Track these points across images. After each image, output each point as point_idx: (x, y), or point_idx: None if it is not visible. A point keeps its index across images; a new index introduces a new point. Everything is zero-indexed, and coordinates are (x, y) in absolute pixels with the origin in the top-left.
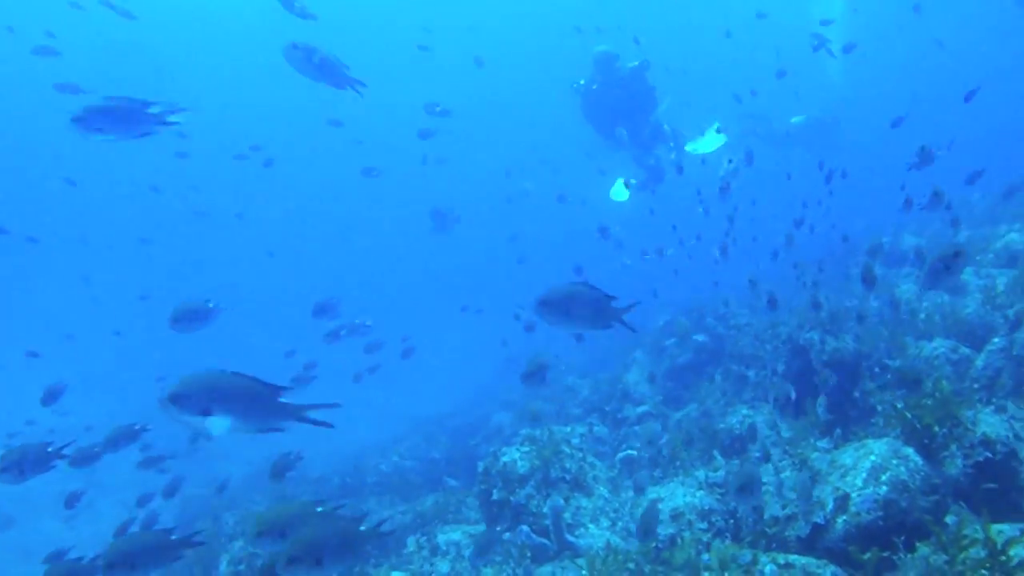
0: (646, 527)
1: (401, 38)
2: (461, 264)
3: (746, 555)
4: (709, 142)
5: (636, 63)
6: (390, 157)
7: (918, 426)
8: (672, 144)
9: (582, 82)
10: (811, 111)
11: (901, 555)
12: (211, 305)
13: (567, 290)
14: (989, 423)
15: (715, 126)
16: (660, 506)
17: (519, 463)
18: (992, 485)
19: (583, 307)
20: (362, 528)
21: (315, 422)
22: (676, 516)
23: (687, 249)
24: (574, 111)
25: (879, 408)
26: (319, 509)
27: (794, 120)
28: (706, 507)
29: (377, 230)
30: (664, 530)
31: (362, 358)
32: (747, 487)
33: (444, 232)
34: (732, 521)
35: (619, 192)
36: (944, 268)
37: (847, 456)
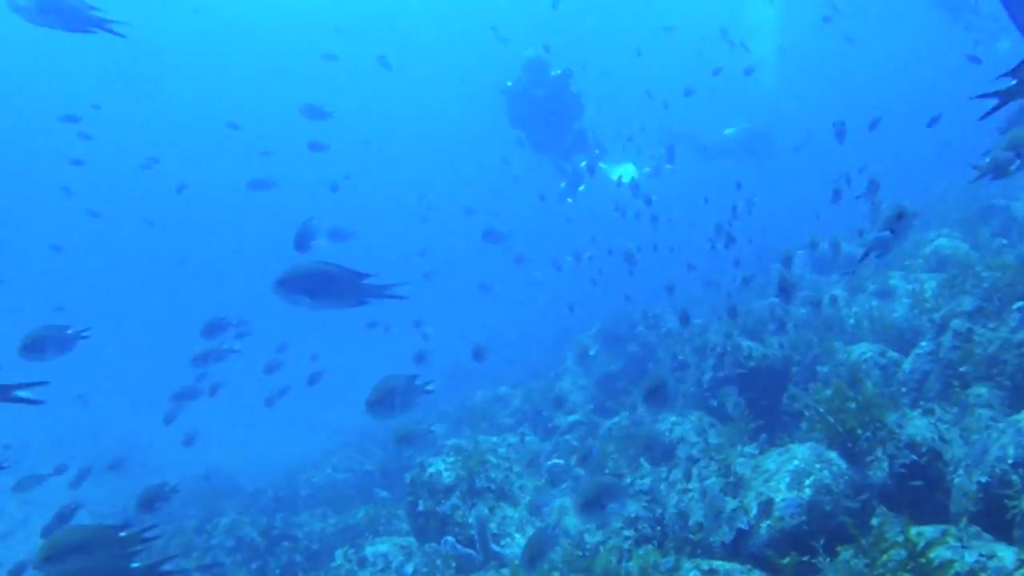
0: (531, 555)
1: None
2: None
3: (668, 561)
4: (622, 169)
5: (560, 71)
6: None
7: (841, 430)
8: (597, 152)
9: (510, 84)
10: (743, 122)
11: (821, 559)
12: (70, 332)
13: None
14: (916, 426)
15: (628, 163)
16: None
17: (444, 474)
18: (918, 487)
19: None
20: (135, 565)
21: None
22: (602, 524)
23: (597, 262)
24: (498, 115)
25: (806, 413)
26: (122, 534)
27: (727, 132)
28: (632, 514)
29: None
30: (591, 538)
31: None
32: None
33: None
34: (659, 528)
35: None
36: (891, 232)
37: (771, 461)
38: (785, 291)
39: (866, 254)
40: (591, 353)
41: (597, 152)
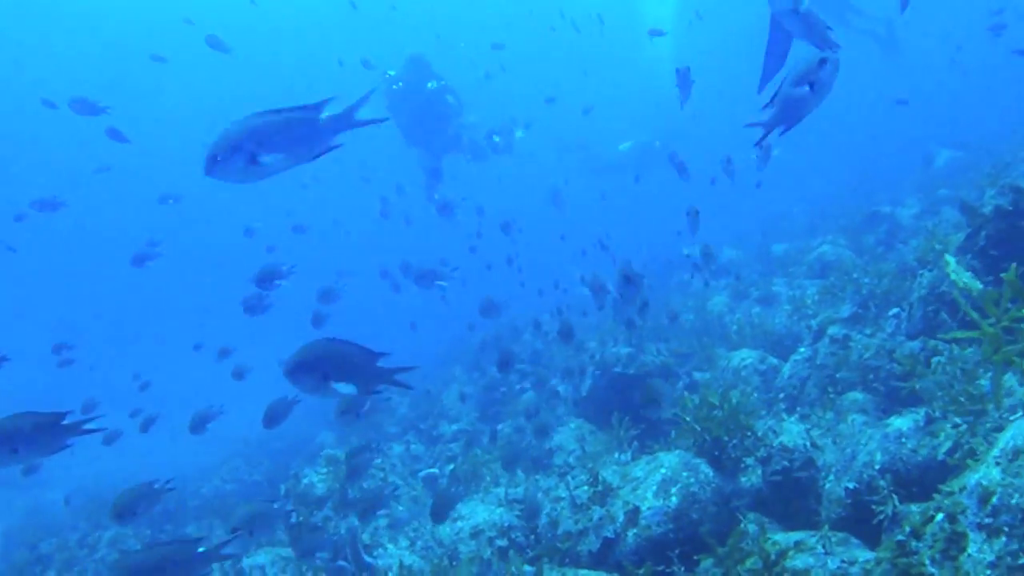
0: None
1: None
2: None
3: (529, 570)
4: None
5: (435, 85)
6: None
7: (708, 438)
8: (469, 156)
9: (392, 73)
10: (639, 136)
11: (676, 568)
12: None
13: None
14: (789, 432)
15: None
16: (460, 524)
17: (317, 485)
18: (791, 494)
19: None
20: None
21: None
22: (476, 533)
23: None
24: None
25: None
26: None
27: (621, 147)
28: (506, 523)
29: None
30: (465, 547)
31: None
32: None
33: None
34: (533, 537)
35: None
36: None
37: (639, 469)
38: (565, 337)
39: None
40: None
41: (469, 156)
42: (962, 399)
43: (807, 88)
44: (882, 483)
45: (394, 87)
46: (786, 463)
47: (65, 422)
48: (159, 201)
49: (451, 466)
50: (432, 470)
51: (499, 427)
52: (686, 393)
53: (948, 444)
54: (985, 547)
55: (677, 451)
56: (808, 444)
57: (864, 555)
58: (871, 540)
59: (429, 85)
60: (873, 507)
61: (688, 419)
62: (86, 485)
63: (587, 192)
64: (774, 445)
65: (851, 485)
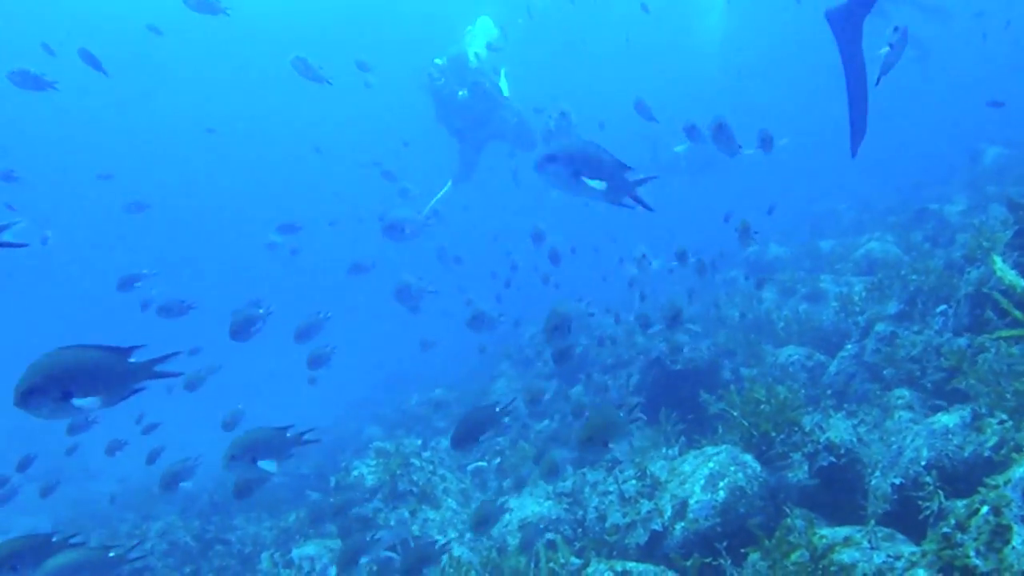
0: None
1: None
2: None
3: (576, 561)
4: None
5: (465, 94)
6: None
7: (755, 433)
8: (518, 145)
9: (439, 61)
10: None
11: (723, 561)
12: None
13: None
14: (837, 428)
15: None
16: (509, 516)
17: (367, 477)
18: (837, 489)
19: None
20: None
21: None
22: (524, 526)
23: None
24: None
25: (728, 416)
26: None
27: (677, 149)
28: (554, 516)
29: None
30: (513, 540)
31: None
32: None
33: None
34: (580, 530)
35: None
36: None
37: (687, 464)
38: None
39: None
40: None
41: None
42: (1008, 396)
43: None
44: (928, 479)
45: (438, 82)
46: (832, 459)
47: (133, 359)
48: (126, 210)
49: (498, 460)
50: (480, 463)
51: (545, 422)
52: (733, 389)
53: (994, 440)
54: None
55: (725, 446)
56: (855, 440)
57: (910, 550)
58: (917, 536)
59: (460, 94)
60: (919, 503)
61: (736, 414)
62: (133, 477)
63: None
64: (821, 441)
65: (897, 481)
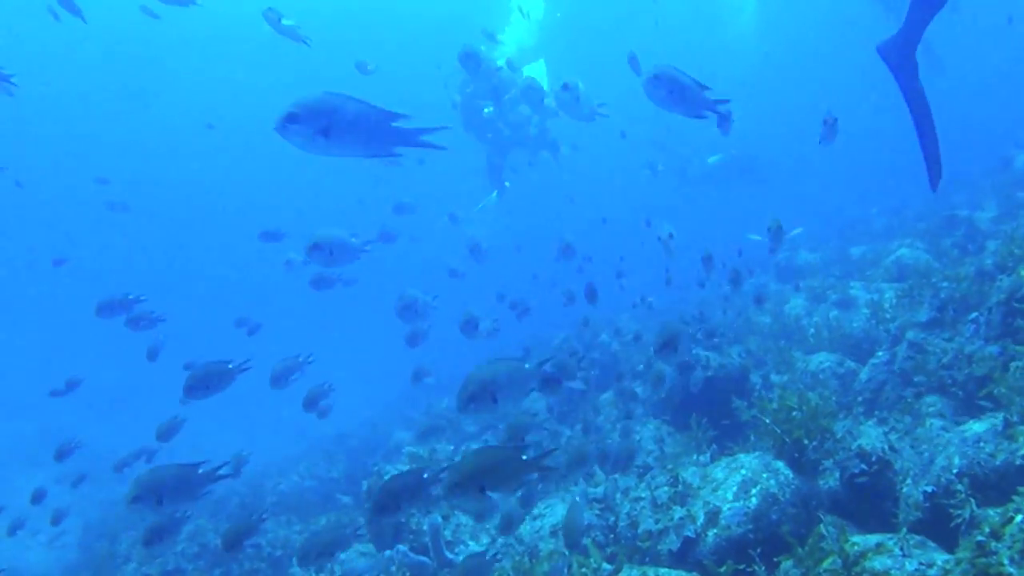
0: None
1: None
2: None
3: (608, 567)
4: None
5: (490, 111)
6: None
7: (787, 440)
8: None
9: (458, 99)
10: (729, 149)
11: (757, 568)
12: None
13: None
14: (867, 435)
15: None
16: (540, 522)
17: None
18: (868, 497)
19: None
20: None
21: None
22: (556, 531)
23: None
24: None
25: (761, 423)
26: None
27: (711, 160)
28: (585, 522)
29: None
30: (544, 545)
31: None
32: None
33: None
34: (612, 536)
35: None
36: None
37: (719, 471)
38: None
39: None
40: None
41: (554, 151)
42: None
43: None
44: (960, 487)
45: (466, 89)
46: (864, 466)
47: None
48: (108, 208)
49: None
50: None
51: (575, 428)
52: (764, 395)
53: None
54: None
55: (757, 453)
56: (886, 448)
57: (942, 558)
58: (948, 544)
59: (486, 111)
60: (951, 511)
61: (768, 421)
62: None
63: (680, 199)
64: (852, 448)
65: (929, 489)
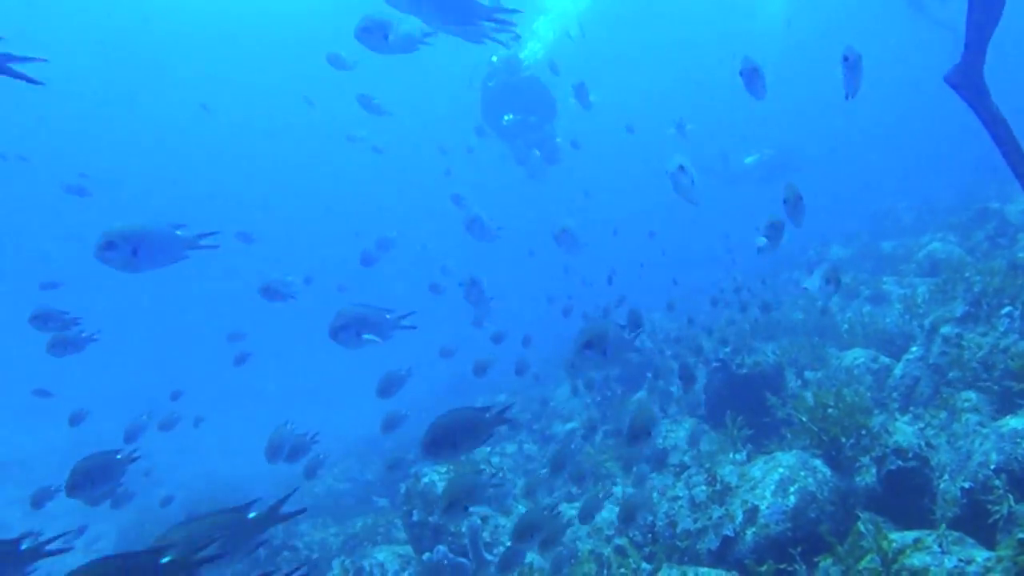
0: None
1: None
2: None
3: (647, 567)
4: None
5: (510, 119)
6: None
7: (824, 438)
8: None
9: (495, 59)
10: (765, 149)
11: (798, 567)
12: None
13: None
14: (903, 432)
15: None
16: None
17: (438, 484)
18: (905, 493)
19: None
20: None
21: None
22: (594, 531)
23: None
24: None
25: (796, 421)
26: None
27: (748, 160)
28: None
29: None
30: (583, 545)
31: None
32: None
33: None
34: (651, 535)
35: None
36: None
37: (757, 469)
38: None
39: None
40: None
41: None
42: None
43: None
44: (997, 483)
45: (489, 83)
46: (900, 462)
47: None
48: (65, 191)
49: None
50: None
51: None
52: (800, 393)
53: None
54: None
55: (794, 451)
56: (922, 444)
57: (980, 554)
58: (986, 540)
59: (505, 119)
60: (988, 507)
61: (804, 419)
62: (195, 484)
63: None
64: (888, 445)
65: (966, 485)
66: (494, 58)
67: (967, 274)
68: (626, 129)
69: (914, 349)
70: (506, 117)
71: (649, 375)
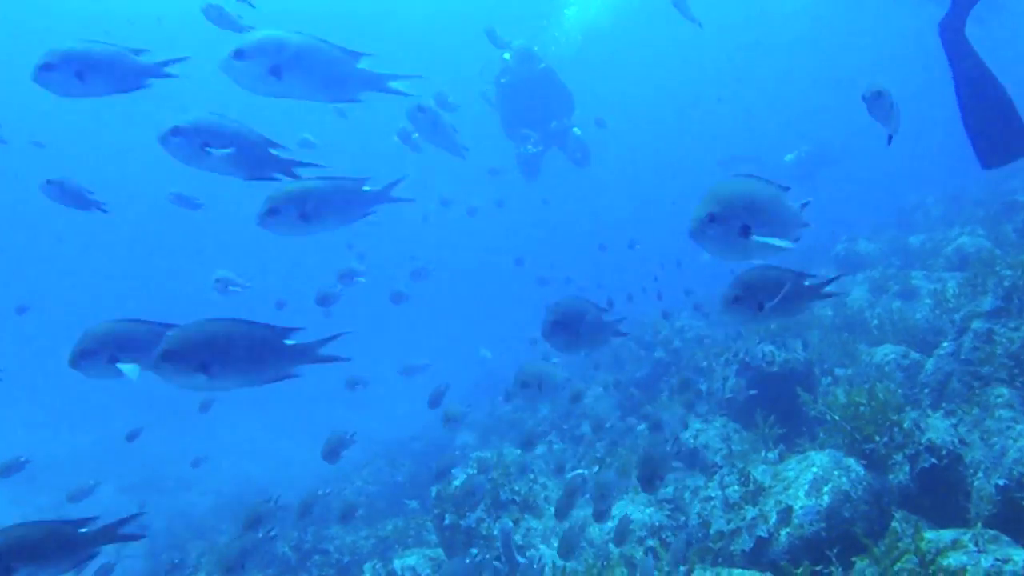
0: (567, 546)
1: None
2: None
3: (681, 570)
4: None
5: (543, 65)
6: None
7: (857, 436)
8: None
9: (507, 56)
10: (803, 145)
11: (834, 568)
12: None
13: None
14: (936, 429)
15: None
16: (611, 524)
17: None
18: (939, 491)
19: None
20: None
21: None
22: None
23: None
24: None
25: (829, 419)
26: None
27: (787, 158)
28: (656, 523)
29: None
30: (615, 548)
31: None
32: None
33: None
34: (683, 536)
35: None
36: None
37: (790, 469)
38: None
39: None
40: None
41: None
42: None
43: None
44: None
45: (502, 80)
46: (934, 460)
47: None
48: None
49: (597, 468)
50: (581, 471)
51: (639, 427)
52: (833, 391)
53: None
54: None
55: (828, 450)
56: (956, 441)
57: (1017, 553)
58: (1021, 538)
59: (529, 147)
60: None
61: (836, 417)
62: (228, 488)
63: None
64: (922, 442)
65: (1001, 482)
66: (506, 55)
67: (997, 268)
68: (595, 122)
69: (945, 344)
70: (529, 146)
71: (673, 381)
